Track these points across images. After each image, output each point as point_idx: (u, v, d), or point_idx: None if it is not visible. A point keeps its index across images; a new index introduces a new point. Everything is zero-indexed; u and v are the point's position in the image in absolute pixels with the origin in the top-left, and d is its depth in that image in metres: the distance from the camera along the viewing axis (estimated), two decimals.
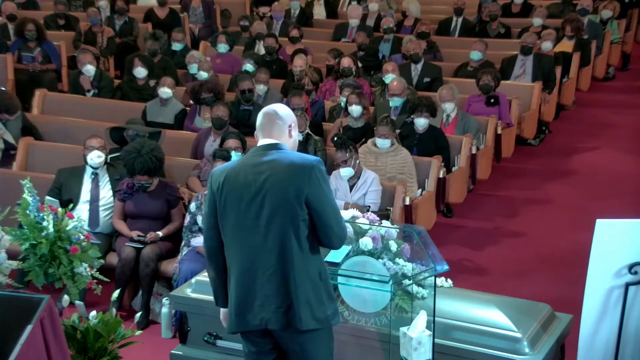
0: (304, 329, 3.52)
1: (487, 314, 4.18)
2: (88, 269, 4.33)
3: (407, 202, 6.29)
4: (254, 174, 3.55)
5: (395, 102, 7.73)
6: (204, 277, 4.72)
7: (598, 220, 3.90)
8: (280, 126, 3.66)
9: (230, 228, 3.59)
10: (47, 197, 5.20)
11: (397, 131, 7.07)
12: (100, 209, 6.10)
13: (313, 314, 3.52)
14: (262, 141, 3.67)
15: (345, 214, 4.06)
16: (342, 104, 7.76)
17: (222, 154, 6.00)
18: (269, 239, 3.51)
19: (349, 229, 3.94)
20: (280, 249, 3.51)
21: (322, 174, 3.55)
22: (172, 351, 4.73)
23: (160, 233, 5.89)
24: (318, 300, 3.54)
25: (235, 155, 6.24)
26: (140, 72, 8.61)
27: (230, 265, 3.64)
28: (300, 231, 3.51)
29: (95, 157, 6.16)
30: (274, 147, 3.62)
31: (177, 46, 9.94)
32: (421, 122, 7.18)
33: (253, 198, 3.53)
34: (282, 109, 3.73)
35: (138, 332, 4.50)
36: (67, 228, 4.29)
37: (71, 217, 4.35)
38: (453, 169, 7.32)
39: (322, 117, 8.06)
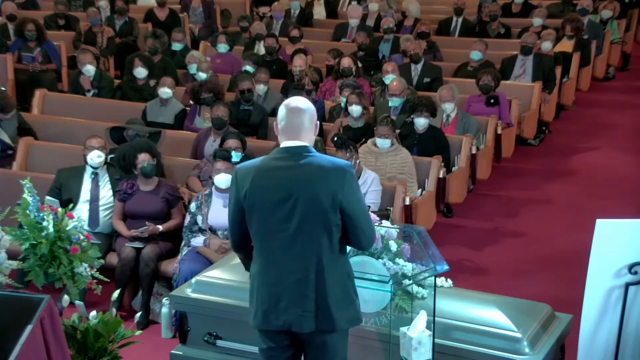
0: (338, 329, 3.53)
1: (487, 314, 4.18)
2: (88, 269, 4.32)
3: (407, 202, 6.29)
4: (284, 179, 3.49)
5: (394, 102, 7.73)
6: (204, 277, 4.73)
7: (598, 220, 3.90)
8: (307, 126, 3.57)
9: (256, 230, 3.56)
10: (47, 197, 5.19)
11: (397, 131, 7.07)
12: (100, 208, 6.10)
13: (346, 315, 3.53)
14: (287, 143, 3.57)
15: None
16: (342, 104, 7.76)
17: (223, 154, 6.00)
18: (298, 244, 3.48)
19: None
20: (310, 255, 3.48)
21: (353, 178, 3.52)
22: (172, 351, 4.73)
23: (160, 227, 5.89)
24: (349, 300, 3.55)
25: (235, 156, 6.25)
26: (141, 72, 8.61)
27: (256, 262, 3.61)
28: (332, 236, 3.48)
29: (95, 157, 6.16)
30: (303, 150, 3.54)
31: (177, 46, 9.94)
32: (421, 122, 7.18)
33: (282, 203, 3.48)
34: (308, 106, 3.60)
35: (138, 332, 4.50)
36: (67, 228, 4.29)
37: (71, 217, 4.35)
38: (453, 169, 7.32)
39: (322, 117, 8.06)
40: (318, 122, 3.65)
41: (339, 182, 3.46)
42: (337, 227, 3.49)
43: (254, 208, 3.53)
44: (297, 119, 3.56)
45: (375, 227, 3.98)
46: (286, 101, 3.65)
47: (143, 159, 5.97)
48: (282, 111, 3.59)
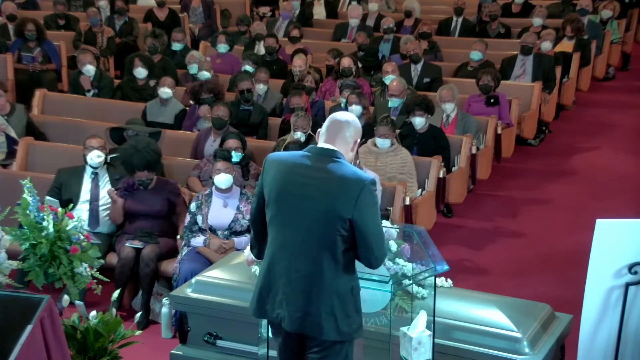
0: (325, 338, 3.52)
1: (487, 314, 4.18)
2: (88, 269, 4.32)
3: (407, 202, 6.29)
4: (305, 177, 3.53)
5: (394, 102, 7.73)
6: (204, 277, 4.73)
7: (598, 220, 3.90)
8: (346, 135, 3.59)
9: (270, 220, 3.60)
10: (47, 197, 5.19)
11: (397, 131, 7.07)
12: (100, 208, 6.10)
13: (337, 327, 3.51)
14: (322, 144, 3.60)
15: None
16: (342, 104, 7.76)
17: (223, 154, 6.00)
18: (305, 244, 3.50)
19: None
20: (313, 257, 3.49)
21: (371, 194, 3.49)
22: (172, 351, 4.74)
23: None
24: (344, 314, 3.52)
25: (235, 156, 6.25)
26: (141, 72, 8.60)
27: (267, 252, 3.64)
28: (337, 246, 3.48)
29: (95, 157, 6.16)
30: (332, 154, 3.55)
31: (177, 46, 9.93)
32: (417, 122, 7.18)
33: (298, 201, 3.51)
34: (354, 122, 3.65)
35: (138, 332, 4.49)
36: (67, 228, 4.29)
37: (71, 217, 4.34)
38: (453, 169, 7.32)
39: (322, 117, 8.06)
40: (359, 141, 3.66)
41: (354, 195, 3.44)
42: (343, 239, 3.47)
43: (271, 199, 3.58)
44: (337, 125, 3.61)
45: None
46: (335, 112, 3.75)
47: (140, 176, 5.94)
48: (328, 119, 3.67)
